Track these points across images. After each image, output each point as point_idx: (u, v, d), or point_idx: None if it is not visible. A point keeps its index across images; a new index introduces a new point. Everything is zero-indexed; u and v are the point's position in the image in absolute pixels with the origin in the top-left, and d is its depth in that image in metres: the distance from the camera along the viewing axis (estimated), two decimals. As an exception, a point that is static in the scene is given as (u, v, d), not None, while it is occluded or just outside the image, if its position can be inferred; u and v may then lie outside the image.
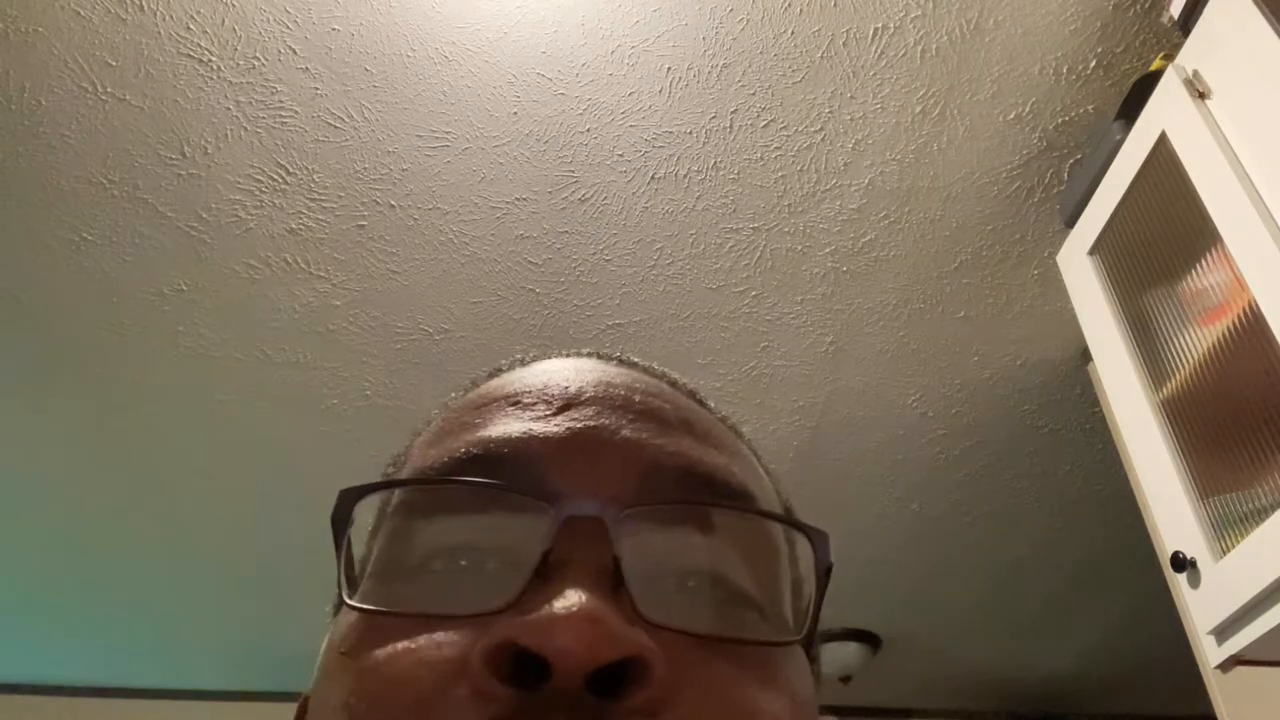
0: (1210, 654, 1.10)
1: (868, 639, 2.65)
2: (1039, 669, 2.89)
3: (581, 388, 0.35)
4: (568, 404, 0.34)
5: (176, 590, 2.46)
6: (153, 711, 2.91)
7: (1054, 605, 2.55)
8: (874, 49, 1.34)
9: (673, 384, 0.39)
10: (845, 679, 2.72)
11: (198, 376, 1.83)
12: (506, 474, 0.31)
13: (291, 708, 0.35)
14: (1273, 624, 1.00)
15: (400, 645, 0.28)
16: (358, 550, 0.33)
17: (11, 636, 2.66)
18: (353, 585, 0.32)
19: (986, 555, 2.34)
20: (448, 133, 1.45)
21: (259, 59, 1.35)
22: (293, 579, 2.37)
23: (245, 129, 1.43)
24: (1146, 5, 1.29)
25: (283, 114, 1.42)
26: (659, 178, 1.51)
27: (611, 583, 0.28)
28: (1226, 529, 1.07)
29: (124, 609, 2.54)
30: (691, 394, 0.39)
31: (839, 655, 2.63)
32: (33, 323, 1.71)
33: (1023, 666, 2.88)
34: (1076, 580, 2.43)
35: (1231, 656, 1.07)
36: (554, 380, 0.36)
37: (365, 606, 0.30)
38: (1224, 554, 1.06)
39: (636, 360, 0.40)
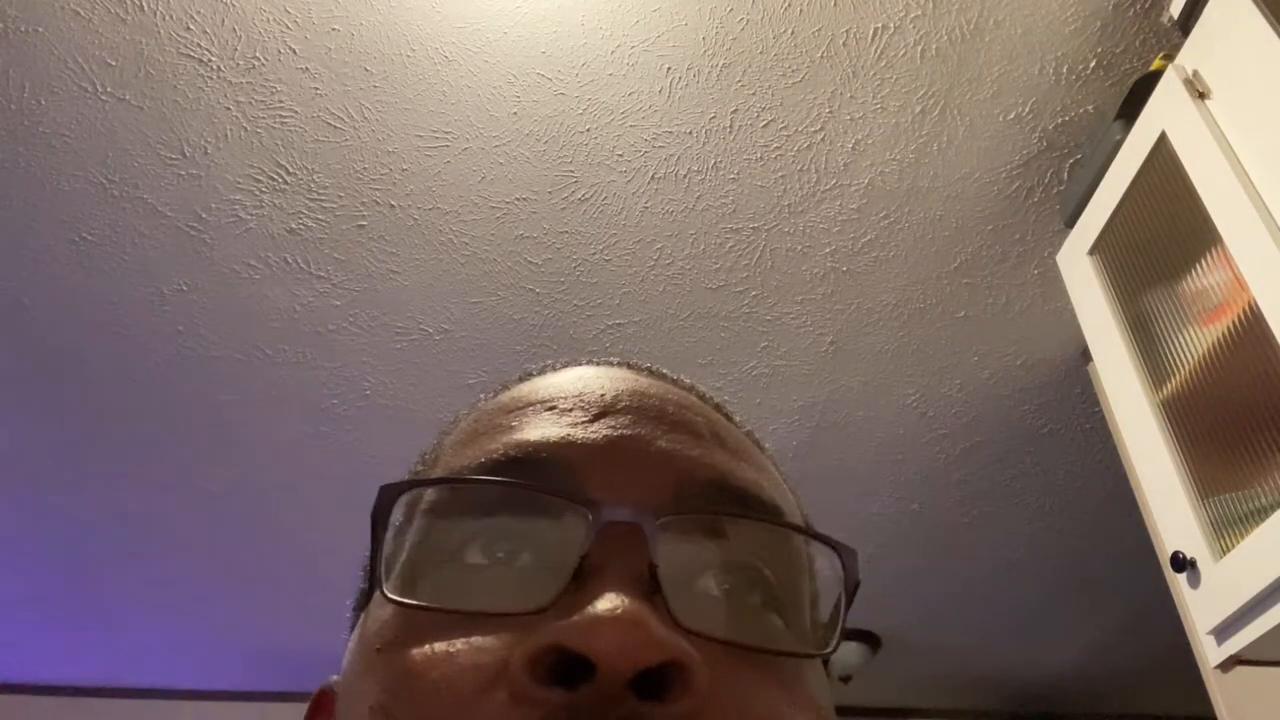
0: (1210, 654, 1.10)
1: (868, 639, 2.65)
2: (1039, 669, 2.89)
3: (617, 396, 0.36)
4: (604, 411, 0.35)
5: (176, 590, 2.46)
6: (153, 711, 2.91)
7: (1054, 605, 2.55)
8: (874, 49, 1.34)
9: (701, 397, 0.39)
10: (845, 679, 2.72)
11: (198, 376, 1.83)
12: (544, 477, 0.32)
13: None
14: (1273, 624, 1.00)
15: (438, 646, 0.28)
16: (386, 548, 0.33)
17: (12, 636, 2.66)
18: (387, 580, 0.32)
19: (986, 555, 2.34)
20: (448, 133, 1.45)
21: (259, 59, 1.35)
22: (293, 579, 2.37)
23: (245, 129, 1.43)
24: (1146, 5, 1.29)
25: (283, 114, 1.42)
26: (659, 178, 1.51)
27: (647, 589, 0.28)
28: (1226, 529, 1.07)
29: (124, 609, 2.54)
30: (718, 407, 0.40)
31: (839, 655, 2.63)
32: (33, 323, 1.71)
33: (1023, 666, 2.88)
34: (1076, 580, 2.43)
35: (1231, 656, 1.08)
36: (589, 387, 0.36)
37: (405, 600, 0.30)
38: (1224, 554, 1.06)
39: (665, 371, 0.41)
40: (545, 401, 0.36)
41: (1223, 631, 1.07)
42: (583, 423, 0.34)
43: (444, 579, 0.31)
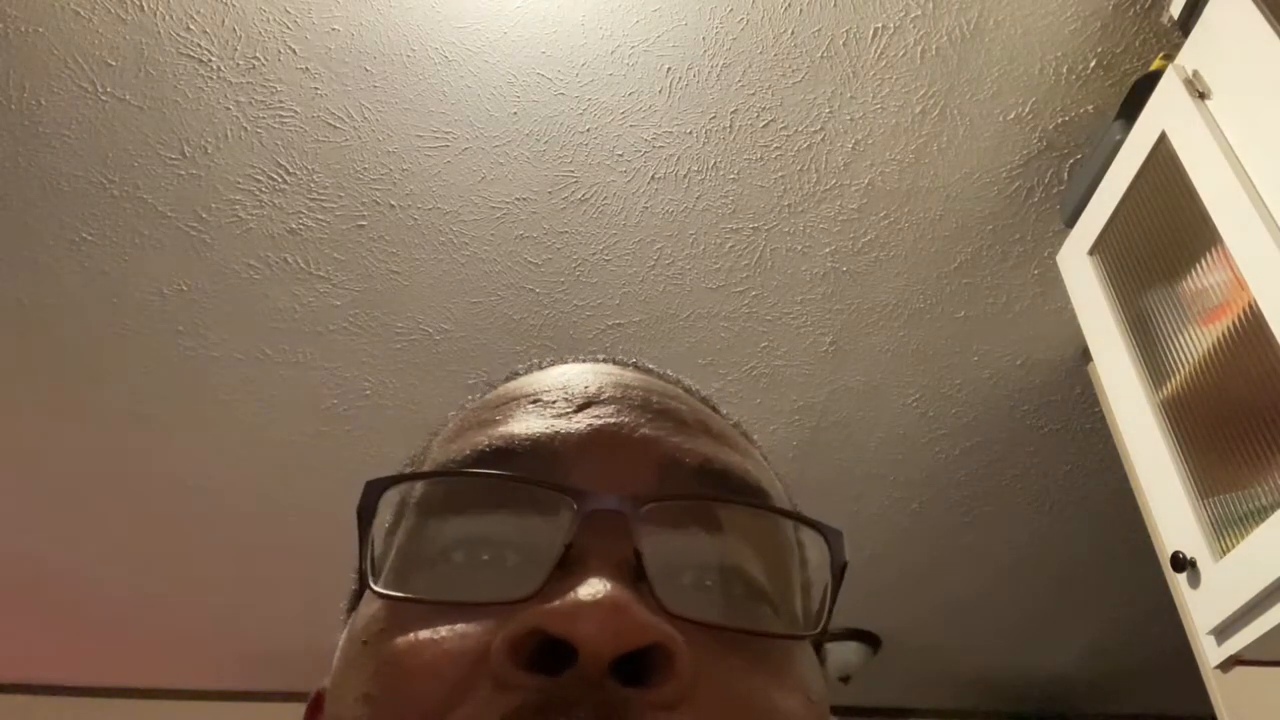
0: (1210, 654, 1.10)
1: (868, 639, 2.65)
2: (1039, 669, 2.89)
3: (601, 388, 0.36)
4: (588, 402, 0.35)
5: (176, 590, 2.46)
6: (153, 711, 2.91)
7: (1054, 605, 2.55)
8: (874, 49, 1.34)
9: (687, 389, 0.40)
10: (845, 679, 2.72)
11: (198, 376, 1.83)
12: (529, 468, 0.32)
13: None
14: (1273, 624, 1.00)
15: (422, 634, 0.28)
16: (376, 547, 0.34)
17: (11, 636, 2.66)
18: (375, 576, 0.32)
19: (986, 555, 2.34)
20: (448, 133, 1.45)
21: (259, 59, 1.35)
22: (292, 579, 2.37)
23: (245, 129, 1.43)
24: (1146, 5, 1.29)
25: (283, 114, 1.42)
26: (659, 178, 1.51)
27: (633, 575, 0.28)
28: (1226, 529, 1.07)
29: (123, 608, 2.54)
30: (704, 400, 0.40)
31: (839, 655, 2.63)
32: (33, 323, 1.71)
33: (1023, 666, 2.88)
34: (1076, 580, 2.43)
35: (1231, 656, 1.07)
36: (574, 381, 0.37)
37: (391, 593, 0.31)
38: (1224, 554, 1.06)
39: (651, 366, 0.41)
40: (529, 396, 0.36)
41: (1223, 631, 1.07)
42: (566, 414, 0.34)
43: (432, 572, 0.31)
